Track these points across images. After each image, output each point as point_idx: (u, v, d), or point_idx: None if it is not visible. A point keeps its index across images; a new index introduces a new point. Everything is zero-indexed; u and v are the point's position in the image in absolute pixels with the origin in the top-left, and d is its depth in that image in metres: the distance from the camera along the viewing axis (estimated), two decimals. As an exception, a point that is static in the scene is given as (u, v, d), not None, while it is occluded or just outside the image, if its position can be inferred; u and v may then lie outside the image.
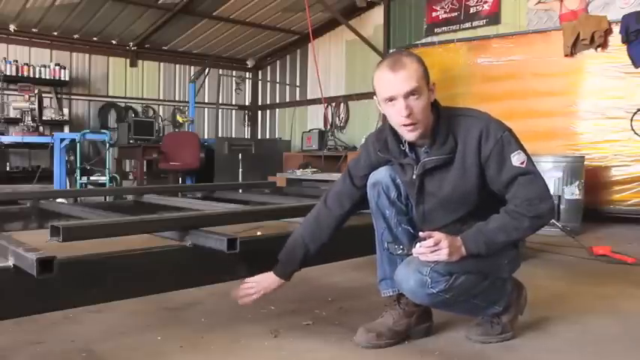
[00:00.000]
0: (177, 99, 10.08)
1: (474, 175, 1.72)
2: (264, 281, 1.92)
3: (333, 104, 9.04)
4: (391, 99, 1.68)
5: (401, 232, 1.87)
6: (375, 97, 1.78)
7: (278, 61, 10.56)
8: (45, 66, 8.45)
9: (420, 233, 1.70)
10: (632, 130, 5.15)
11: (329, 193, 2.00)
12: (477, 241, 1.66)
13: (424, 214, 1.84)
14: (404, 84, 1.65)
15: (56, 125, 8.42)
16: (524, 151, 1.71)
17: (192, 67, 10.20)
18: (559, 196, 4.49)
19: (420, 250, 1.65)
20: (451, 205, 1.78)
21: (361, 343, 1.82)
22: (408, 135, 1.73)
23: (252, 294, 1.91)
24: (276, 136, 10.28)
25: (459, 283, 1.68)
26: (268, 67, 10.83)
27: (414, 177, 1.78)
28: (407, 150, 1.80)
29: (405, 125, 1.69)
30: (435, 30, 7.50)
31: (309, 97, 9.79)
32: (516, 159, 1.67)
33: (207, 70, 9.84)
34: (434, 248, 1.64)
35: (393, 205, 1.87)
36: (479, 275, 1.74)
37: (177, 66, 10.11)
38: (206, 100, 10.30)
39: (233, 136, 10.53)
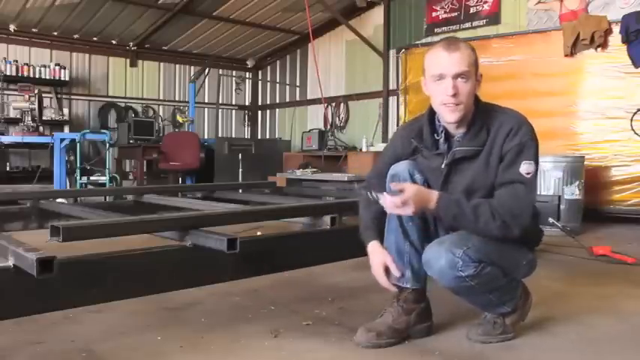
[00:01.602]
0: (177, 99, 10.07)
1: (495, 171, 1.74)
2: (378, 256, 1.82)
3: (333, 104, 9.03)
4: (440, 77, 1.72)
5: (411, 226, 1.86)
6: (422, 77, 1.81)
7: (278, 61, 10.55)
8: (45, 66, 8.44)
9: (392, 184, 1.72)
10: (632, 130, 5.15)
11: (370, 179, 2.00)
12: (448, 210, 1.68)
13: None
14: (455, 65, 1.70)
15: (56, 125, 8.41)
16: (537, 164, 1.74)
17: (192, 67, 10.18)
18: (559, 196, 4.49)
19: (387, 202, 1.66)
20: (471, 197, 1.76)
21: (361, 342, 1.82)
22: (449, 115, 1.74)
23: (384, 273, 1.81)
24: (276, 136, 10.27)
25: (486, 272, 1.71)
26: (268, 67, 10.83)
27: (443, 166, 1.81)
28: (441, 140, 1.82)
29: (446, 105, 1.72)
30: (435, 30, 7.49)
31: (309, 97, 9.78)
32: (525, 167, 1.70)
33: (207, 70, 9.83)
34: (400, 206, 1.64)
35: None
36: (500, 270, 1.77)
37: (177, 66, 10.09)
38: (206, 100, 10.29)
39: (233, 136, 10.52)
